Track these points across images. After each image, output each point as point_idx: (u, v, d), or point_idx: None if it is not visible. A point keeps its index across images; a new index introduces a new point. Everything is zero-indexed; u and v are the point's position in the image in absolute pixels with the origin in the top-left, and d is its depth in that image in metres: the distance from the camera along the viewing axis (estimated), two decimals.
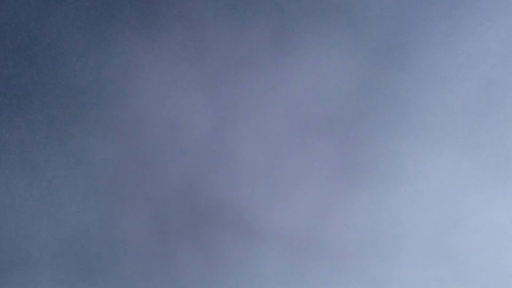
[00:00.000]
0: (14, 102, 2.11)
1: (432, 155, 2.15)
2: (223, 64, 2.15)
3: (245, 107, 2.16)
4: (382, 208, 2.17)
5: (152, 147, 2.15)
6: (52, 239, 2.09)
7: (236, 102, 2.17)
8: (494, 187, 2.12)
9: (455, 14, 2.11)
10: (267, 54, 2.14)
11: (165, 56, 2.14)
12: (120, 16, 2.16)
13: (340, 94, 2.17)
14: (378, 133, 2.16)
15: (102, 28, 2.15)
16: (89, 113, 2.14)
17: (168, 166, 2.15)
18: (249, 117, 2.17)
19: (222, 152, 2.17)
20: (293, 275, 2.14)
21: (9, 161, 2.11)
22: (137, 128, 2.15)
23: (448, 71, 2.16)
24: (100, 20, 2.16)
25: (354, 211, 2.17)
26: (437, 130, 2.15)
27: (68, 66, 2.12)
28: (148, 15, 2.16)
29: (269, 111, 2.17)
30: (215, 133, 2.16)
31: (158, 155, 2.15)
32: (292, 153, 2.17)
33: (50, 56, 2.12)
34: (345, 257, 2.16)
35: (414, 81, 2.17)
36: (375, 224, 2.16)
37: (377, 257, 2.16)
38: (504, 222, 2.09)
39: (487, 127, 2.12)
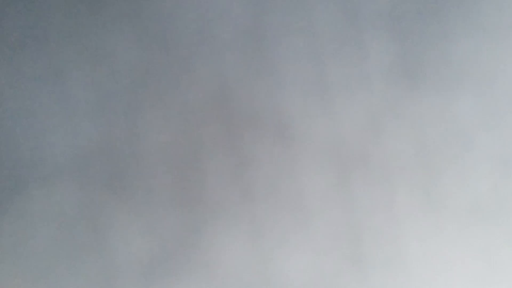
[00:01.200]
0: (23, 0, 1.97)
1: (506, 54, 2.01)
2: None
3: (286, 1, 2.02)
4: (447, 117, 2.06)
5: (181, 46, 1.99)
6: (73, 151, 1.96)
7: None
8: None
9: None
10: None
11: None
12: None
13: None
14: (442, 33, 2.05)
15: None
16: (112, 9, 1.98)
17: (200, 68, 1.99)
18: (290, 14, 2.03)
19: (260, 52, 2.01)
20: (337, 189, 1.99)
21: (21, 62, 1.96)
22: (164, 25, 2.00)
23: None
24: None
25: (414, 122, 2.01)
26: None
27: None
28: None
29: (315, 5, 2.02)
30: (252, 31, 2.00)
31: (188, 56, 1.99)
32: (341, 55, 2.01)
33: None
34: (401, 173, 2.00)
35: None
36: (440, 136, 2.07)
37: (441, 173, 2.05)
38: None
39: None
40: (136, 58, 2.01)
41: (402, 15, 2.08)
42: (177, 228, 1.99)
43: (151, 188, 2.00)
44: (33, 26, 1.98)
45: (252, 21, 2.04)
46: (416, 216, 2.06)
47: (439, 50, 2.08)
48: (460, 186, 2.07)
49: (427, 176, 2.07)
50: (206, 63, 2.02)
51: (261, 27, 2.04)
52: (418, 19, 2.08)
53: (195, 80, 2.02)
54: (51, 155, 1.96)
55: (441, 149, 2.07)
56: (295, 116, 2.04)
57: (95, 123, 1.99)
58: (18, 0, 1.98)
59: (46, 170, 1.96)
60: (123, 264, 1.97)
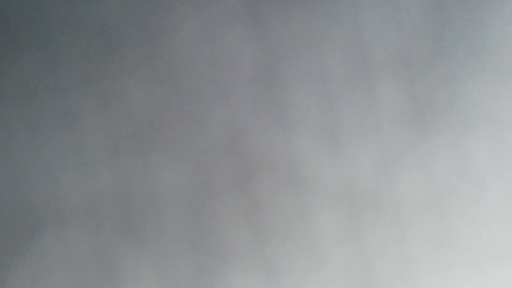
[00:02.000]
0: (38, 42, 2.00)
1: None
2: None
3: (297, 46, 2.06)
4: (458, 159, 2.08)
5: (192, 91, 2.02)
6: (85, 194, 1.98)
7: (287, 40, 2.07)
8: None
9: None
10: None
11: None
12: None
13: (409, 31, 2.10)
14: (452, 74, 2.08)
15: None
16: (124, 52, 2.01)
17: (210, 114, 2.02)
18: (302, 58, 2.06)
19: (271, 98, 2.03)
20: (350, 233, 2.00)
21: (35, 107, 1.98)
22: (176, 70, 2.02)
23: None
24: None
25: (425, 164, 2.03)
26: None
27: (101, 0, 2.02)
28: None
29: (325, 51, 2.05)
30: (263, 77, 2.03)
31: (199, 101, 2.02)
32: (353, 99, 2.04)
33: None
34: (413, 216, 2.02)
35: (495, 11, 2.10)
36: (451, 178, 2.09)
37: (453, 215, 2.06)
38: None
39: None
40: (149, 102, 2.03)
41: (411, 58, 2.10)
42: (190, 271, 2.01)
43: (164, 231, 2.01)
44: (47, 70, 2.01)
45: (264, 66, 2.07)
46: (427, 259, 2.06)
47: (449, 92, 2.10)
48: (472, 229, 2.08)
49: (438, 218, 2.08)
50: (218, 106, 2.05)
51: (272, 72, 2.07)
52: (427, 61, 2.10)
53: (207, 123, 2.04)
54: (65, 198, 1.98)
55: (452, 191, 2.08)
56: (306, 159, 2.06)
57: (108, 166, 2.01)
58: (33, 45, 2.02)
59: (60, 214, 1.98)
60: None
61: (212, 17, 2.06)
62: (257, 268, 2.02)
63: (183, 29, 2.05)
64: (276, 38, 2.07)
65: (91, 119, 2.02)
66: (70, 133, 2.00)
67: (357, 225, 2.06)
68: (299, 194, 2.05)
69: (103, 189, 2.00)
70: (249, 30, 2.07)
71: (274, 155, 2.06)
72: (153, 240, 2.00)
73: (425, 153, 2.09)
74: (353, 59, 2.09)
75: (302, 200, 2.05)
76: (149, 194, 2.01)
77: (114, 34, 2.02)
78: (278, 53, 2.08)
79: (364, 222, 2.06)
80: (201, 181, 2.03)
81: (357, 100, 2.08)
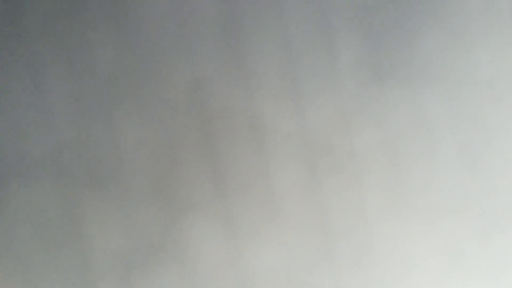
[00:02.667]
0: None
1: (469, 50, 2.04)
2: None
3: (260, 1, 2.03)
4: (414, 113, 2.13)
5: (156, 45, 2.01)
6: (50, 146, 1.98)
7: None
8: None
9: None
10: None
11: None
12: None
13: None
14: (410, 30, 2.14)
15: None
16: (89, 6, 1.99)
17: (173, 67, 2.02)
18: (264, 12, 2.09)
19: (233, 51, 2.05)
20: (308, 184, 2.05)
21: (1, 57, 1.97)
22: (139, 24, 2.02)
23: None
24: None
25: (382, 117, 2.08)
26: (477, 24, 2.05)
27: None
28: None
29: (286, 2, 2.09)
30: (226, 30, 2.04)
31: (163, 55, 2.02)
32: (313, 53, 2.07)
33: None
34: (369, 168, 2.07)
35: None
36: (406, 130, 2.13)
37: (408, 167, 2.13)
38: None
39: None
40: (113, 55, 2.03)
41: (371, 15, 2.11)
42: (153, 223, 2.03)
43: (127, 181, 2.03)
44: (11, 24, 1.99)
45: (226, 16, 2.06)
46: (382, 209, 2.11)
47: (407, 48, 2.12)
48: (425, 181, 2.13)
49: (394, 171, 2.12)
50: (181, 61, 2.05)
51: (235, 25, 2.07)
52: (386, 17, 2.11)
53: (170, 74, 2.05)
54: (30, 152, 1.99)
55: (407, 144, 2.12)
56: (267, 109, 2.08)
57: (73, 120, 2.01)
58: None
59: (25, 167, 1.99)
60: (100, 258, 2.01)
61: None
62: (218, 219, 2.06)
63: None
64: None
65: (56, 70, 2.01)
66: (34, 84, 1.99)
67: (315, 177, 2.10)
68: (259, 145, 2.08)
69: (68, 141, 2.01)
70: None
71: (236, 107, 2.07)
72: (117, 190, 2.02)
73: (381, 107, 2.12)
74: (314, 14, 2.09)
75: (262, 150, 2.08)
76: (113, 145, 2.03)
77: None
78: (240, 4, 2.07)
79: (322, 174, 2.10)
80: (163, 133, 2.05)
81: (317, 54, 2.10)
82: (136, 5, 2.03)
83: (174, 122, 2.05)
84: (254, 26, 2.07)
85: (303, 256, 2.08)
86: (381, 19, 2.11)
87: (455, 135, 2.13)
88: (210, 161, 2.06)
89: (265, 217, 2.07)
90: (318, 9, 2.09)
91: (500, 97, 2.15)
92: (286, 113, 2.09)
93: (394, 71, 2.12)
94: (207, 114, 2.06)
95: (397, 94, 2.12)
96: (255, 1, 2.07)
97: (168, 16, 2.04)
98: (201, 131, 2.06)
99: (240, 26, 2.07)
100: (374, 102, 2.11)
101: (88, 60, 2.02)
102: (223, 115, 2.06)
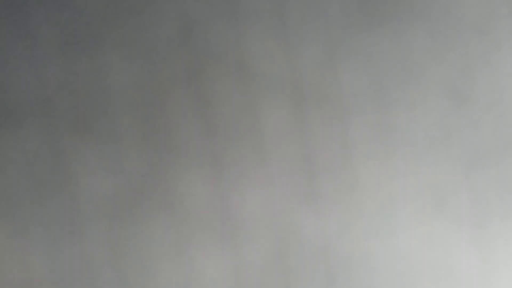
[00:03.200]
0: None
1: None
2: None
3: None
4: (402, 53, 2.13)
5: None
6: (37, 92, 1.99)
7: None
8: None
9: None
10: None
11: None
12: None
13: None
14: None
15: None
16: None
17: (160, 8, 2.02)
18: None
19: None
20: (295, 127, 2.08)
21: None
22: None
23: None
24: None
25: (369, 59, 2.07)
26: None
27: None
28: None
29: None
30: None
31: None
32: None
33: None
34: (355, 108, 2.08)
35: None
36: (393, 71, 2.14)
37: (393, 106, 2.14)
38: None
39: None
40: None
41: None
42: (141, 165, 2.05)
43: (116, 126, 2.04)
44: None
45: None
46: (368, 147, 2.13)
47: None
48: (411, 119, 2.14)
49: (379, 108, 2.13)
50: (169, 1, 2.05)
51: None
52: None
53: (157, 17, 2.04)
54: (15, 96, 1.99)
55: (393, 83, 2.13)
56: (255, 54, 2.08)
57: (59, 64, 2.01)
58: None
59: (12, 112, 2.00)
60: (88, 202, 2.03)
61: None
62: (206, 162, 2.08)
63: None
64: None
65: (42, 14, 2.00)
66: (21, 30, 1.99)
67: (302, 119, 2.11)
68: (247, 88, 2.09)
69: (55, 86, 2.01)
70: None
71: (224, 49, 2.07)
72: (105, 136, 2.04)
73: (368, 45, 2.12)
74: None
75: (250, 94, 2.09)
76: (100, 90, 2.03)
77: None
78: None
79: (309, 115, 2.11)
80: (151, 77, 2.05)
81: None
82: None
83: (163, 64, 2.05)
84: None
85: (288, 197, 2.10)
86: None
87: (440, 72, 2.14)
88: (198, 104, 2.07)
89: (252, 158, 2.09)
90: None
91: (485, 31, 2.15)
92: (273, 54, 2.09)
93: (381, 11, 2.12)
94: (195, 56, 2.07)
95: (383, 35, 2.12)
96: None
97: None
98: (189, 73, 2.06)
99: None
100: (362, 42, 2.11)
101: (74, 4, 2.01)
102: (211, 57, 2.07)
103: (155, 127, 2.05)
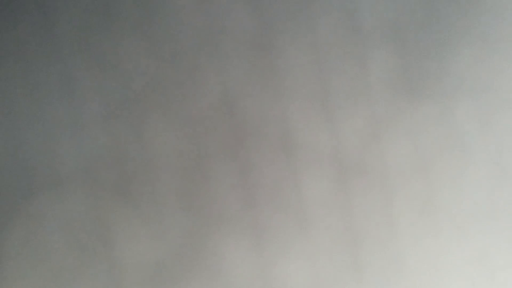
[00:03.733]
0: (34, 9, 2.01)
1: (504, 64, 2.04)
2: None
3: (291, 13, 2.10)
4: (445, 125, 2.12)
5: (187, 57, 2.04)
6: (81, 157, 2.00)
7: (281, 7, 2.10)
8: None
9: None
10: None
11: None
12: None
13: None
14: (442, 42, 2.12)
15: None
16: (121, 18, 2.03)
17: (204, 80, 2.04)
18: (295, 25, 2.08)
19: (264, 65, 2.06)
20: (338, 198, 2.04)
21: (31, 72, 2.00)
22: (172, 36, 2.04)
23: None
24: None
25: (414, 132, 2.05)
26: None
27: None
28: None
29: (318, 18, 2.09)
30: (257, 44, 2.05)
31: (194, 67, 2.04)
32: (344, 67, 2.06)
33: None
34: (400, 180, 2.05)
35: None
36: (438, 145, 2.13)
37: (439, 179, 2.10)
38: None
39: None
40: (145, 67, 2.06)
41: (403, 28, 2.12)
42: (183, 233, 2.04)
43: (158, 194, 2.05)
44: (44, 35, 2.03)
45: (258, 32, 2.08)
46: (414, 222, 2.10)
47: (439, 61, 2.12)
48: (457, 192, 2.11)
49: (425, 183, 2.11)
50: (212, 72, 2.07)
51: (266, 37, 2.09)
52: (418, 30, 2.11)
53: (201, 88, 2.07)
54: (62, 161, 2.02)
55: (438, 156, 2.11)
56: (298, 124, 2.09)
57: (104, 130, 2.04)
58: (30, 11, 2.03)
59: (56, 175, 2.01)
60: (129, 268, 2.02)
61: None
62: (248, 232, 2.06)
63: None
64: (271, 6, 2.09)
65: (88, 83, 2.04)
66: (67, 97, 2.03)
67: (345, 191, 2.09)
68: (289, 159, 2.08)
69: (99, 153, 2.03)
70: None
71: (267, 121, 2.08)
72: (147, 203, 2.04)
73: (414, 120, 2.11)
74: (345, 26, 2.10)
75: (293, 165, 2.08)
76: (144, 157, 2.05)
77: (111, 0, 2.05)
78: (272, 20, 2.09)
79: (352, 187, 2.09)
80: (194, 146, 2.06)
81: (348, 67, 2.10)
82: (168, 20, 2.06)
83: (205, 135, 2.06)
84: (286, 42, 2.09)
85: (331, 269, 2.07)
86: (413, 34, 2.11)
87: (487, 149, 2.12)
88: (240, 174, 2.07)
89: (295, 230, 2.07)
90: (350, 24, 2.10)
91: None
92: (316, 126, 2.09)
93: (427, 85, 2.12)
94: (237, 127, 2.07)
95: (429, 108, 2.11)
96: (287, 16, 2.09)
97: (200, 27, 2.07)
98: (231, 144, 2.07)
99: (272, 42, 2.09)
100: (406, 116, 2.11)
101: (120, 71, 2.05)
102: (253, 128, 2.07)
103: (197, 194, 2.05)
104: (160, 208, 2.04)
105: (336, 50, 2.10)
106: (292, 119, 2.09)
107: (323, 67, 2.10)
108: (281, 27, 2.09)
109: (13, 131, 2.01)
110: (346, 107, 2.10)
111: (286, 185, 2.08)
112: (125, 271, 2.01)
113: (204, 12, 2.07)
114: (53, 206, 2.00)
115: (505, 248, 2.12)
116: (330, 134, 2.10)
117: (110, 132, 2.04)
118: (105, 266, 2.00)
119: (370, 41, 2.11)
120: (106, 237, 2.02)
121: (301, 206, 2.08)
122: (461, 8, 2.12)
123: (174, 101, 2.06)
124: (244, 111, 2.08)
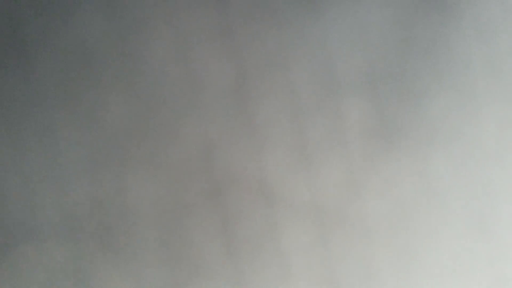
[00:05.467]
0: (16, 59, 2.02)
1: (477, 113, 2.06)
2: (245, 15, 2.08)
3: (267, 63, 2.11)
4: (421, 174, 2.14)
5: (166, 106, 2.05)
6: (61, 209, 2.00)
7: (258, 57, 2.12)
8: None
9: None
10: (293, 4, 2.07)
11: (182, 5, 2.06)
12: None
13: (374, 49, 2.15)
14: (416, 92, 2.15)
15: None
16: (101, 69, 2.04)
17: (183, 128, 2.05)
18: (272, 75, 2.10)
19: (242, 114, 2.08)
20: (318, 250, 2.03)
21: (13, 123, 2.00)
22: (150, 85, 2.06)
23: (496, 21, 2.10)
24: None
25: (390, 181, 2.08)
26: (483, 87, 2.06)
27: (77, 19, 2.04)
28: None
29: (294, 68, 2.11)
30: (235, 92, 2.08)
31: (173, 116, 2.05)
32: (321, 116, 2.09)
33: (57, 8, 2.03)
34: (379, 230, 2.07)
35: (459, 32, 2.15)
36: (416, 194, 2.14)
37: (417, 230, 2.13)
38: None
39: None
40: (125, 119, 2.06)
41: (377, 77, 2.14)
42: (163, 282, 2.03)
43: (138, 243, 2.03)
44: (24, 85, 2.02)
45: (236, 82, 2.09)
46: (392, 272, 2.10)
47: (413, 110, 2.14)
48: (435, 245, 2.12)
49: (402, 232, 2.11)
50: (191, 122, 2.08)
51: (244, 88, 2.10)
52: (392, 79, 2.14)
53: (180, 138, 2.07)
54: (42, 213, 2.00)
55: (416, 206, 2.12)
56: (276, 174, 2.10)
57: (85, 182, 2.03)
58: (9, 61, 2.03)
59: (36, 227, 2.00)
60: None
61: (186, 34, 2.09)
62: (228, 280, 2.05)
63: (159, 45, 2.08)
64: (247, 55, 2.11)
65: (69, 133, 2.04)
66: (47, 147, 2.02)
67: (325, 240, 2.09)
68: (268, 208, 2.09)
69: (80, 202, 2.02)
70: (221, 46, 2.10)
71: (246, 169, 2.09)
72: (128, 252, 2.02)
73: (390, 169, 2.13)
74: (321, 76, 2.13)
75: (272, 214, 2.09)
76: (124, 207, 2.04)
77: (91, 50, 2.05)
78: (249, 69, 2.11)
79: (332, 236, 2.10)
80: (174, 195, 2.06)
81: (325, 117, 2.12)
82: (149, 70, 2.07)
83: (184, 183, 2.06)
84: (264, 92, 2.11)
85: None
86: (388, 83, 2.14)
87: (464, 199, 2.14)
88: (220, 224, 2.07)
89: (275, 279, 2.06)
90: (326, 74, 2.13)
91: (508, 160, 2.16)
92: (294, 175, 2.10)
93: (402, 133, 2.14)
94: (217, 177, 2.08)
95: (405, 156, 2.13)
96: (265, 68, 2.11)
97: (178, 77, 2.08)
98: (210, 192, 2.07)
99: (250, 92, 2.11)
100: (383, 165, 2.12)
101: (100, 121, 2.05)
102: (232, 177, 2.08)
103: (177, 244, 2.04)
104: (141, 258, 2.03)
105: (312, 99, 2.12)
106: (270, 169, 2.10)
107: (299, 116, 2.12)
108: (257, 75, 2.11)
109: None
110: (323, 157, 2.11)
111: (266, 234, 2.08)
112: None
113: (183, 61, 2.09)
114: (33, 257, 1.98)
115: None
116: (308, 183, 2.11)
117: (90, 182, 2.03)
118: None
119: (345, 91, 2.13)
120: (87, 287, 2.00)
121: (281, 256, 2.08)
122: (434, 59, 2.15)
123: (154, 150, 2.06)
124: (222, 159, 2.08)
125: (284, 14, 2.11)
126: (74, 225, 2.01)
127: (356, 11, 2.13)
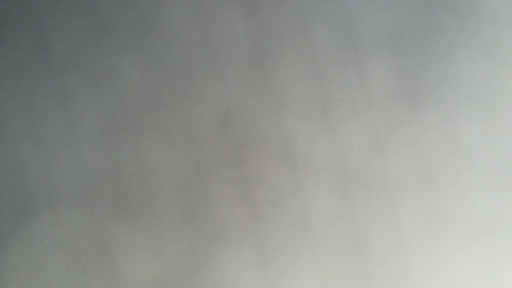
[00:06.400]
0: (28, 25, 2.00)
1: (504, 71, 2.03)
2: None
3: (288, 25, 2.08)
4: (447, 135, 2.10)
5: (184, 71, 2.02)
6: (78, 175, 1.98)
7: (278, 19, 2.08)
8: None
9: None
10: None
11: None
12: None
13: (398, 8, 2.10)
14: (442, 51, 2.10)
15: None
16: (115, 33, 2.01)
17: (202, 93, 2.02)
18: (293, 37, 2.06)
19: (263, 77, 2.04)
20: (342, 210, 2.01)
21: (27, 88, 1.99)
22: (167, 50, 2.03)
23: None
24: None
25: (415, 140, 2.03)
26: (511, 45, 2.03)
27: None
28: None
29: (316, 30, 2.06)
30: (255, 56, 2.03)
31: (191, 81, 2.02)
32: (344, 78, 2.04)
33: None
34: (404, 191, 2.02)
35: None
36: (442, 154, 2.11)
37: (442, 190, 2.09)
38: None
39: None
40: (141, 83, 2.04)
41: (401, 36, 2.11)
42: (185, 250, 2.01)
43: (158, 210, 2.02)
44: (38, 51, 2.02)
45: (256, 46, 2.07)
46: (419, 232, 2.07)
47: (439, 69, 2.11)
48: (462, 200, 2.09)
49: (429, 194, 2.08)
50: (209, 86, 2.06)
51: (263, 50, 2.08)
52: (417, 40, 2.11)
53: (199, 103, 2.05)
54: (59, 180, 1.99)
55: (442, 167, 2.09)
56: (298, 137, 2.07)
57: (101, 147, 2.02)
58: (22, 26, 2.02)
59: (54, 195, 1.99)
60: (131, 286, 1.98)
61: None
62: (251, 246, 2.03)
63: (175, 8, 2.06)
64: (267, 17, 2.08)
65: (83, 100, 2.02)
66: (62, 115, 2.01)
67: (349, 202, 2.07)
68: (291, 172, 2.06)
69: (97, 170, 2.01)
70: (240, 9, 2.08)
71: (266, 133, 2.06)
72: (148, 219, 2.01)
73: (415, 129, 2.10)
74: (344, 37, 2.10)
75: (295, 178, 2.06)
76: (143, 173, 2.02)
77: (105, 15, 2.03)
78: (269, 32, 2.08)
79: (356, 198, 2.07)
80: (194, 160, 2.04)
81: (348, 78, 2.09)
82: (163, 33, 2.04)
83: (204, 149, 2.04)
84: (283, 53, 2.08)
85: (338, 282, 2.03)
86: (412, 42, 2.10)
87: (490, 155, 2.09)
88: (241, 187, 2.04)
89: (299, 242, 2.04)
90: (348, 34, 2.09)
91: None
92: (317, 137, 2.07)
93: (426, 93, 2.10)
94: (237, 140, 2.05)
95: (430, 116, 2.09)
96: (284, 28, 2.08)
97: (195, 41, 2.06)
98: (231, 157, 2.04)
99: (269, 53, 2.08)
100: (407, 125, 2.09)
101: (116, 87, 2.03)
102: (253, 141, 2.05)
103: (198, 210, 2.02)
104: (161, 225, 2.01)
105: (334, 60, 2.08)
106: (292, 130, 2.07)
107: (321, 77, 2.09)
108: (278, 38, 2.07)
109: (7, 150, 1.99)
110: (346, 117, 2.08)
111: (289, 198, 2.05)
112: None
113: (199, 24, 2.06)
114: (51, 226, 1.97)
115: (510, 256, 2.09)
116: (331, 145, 2.07)
117: (108, 149, 2.01)
118: (106, 285, 1.97)
119: (368, 50, 2.10)
120: (106, 255, 1.98)
121: (305, 219, 2.05)
122: (460, 16, 2.12)
123: (171, 115, 2.04)
124: (243, 123, 2.06)
125: None
126: (91, 192, 1.99)
127: None
